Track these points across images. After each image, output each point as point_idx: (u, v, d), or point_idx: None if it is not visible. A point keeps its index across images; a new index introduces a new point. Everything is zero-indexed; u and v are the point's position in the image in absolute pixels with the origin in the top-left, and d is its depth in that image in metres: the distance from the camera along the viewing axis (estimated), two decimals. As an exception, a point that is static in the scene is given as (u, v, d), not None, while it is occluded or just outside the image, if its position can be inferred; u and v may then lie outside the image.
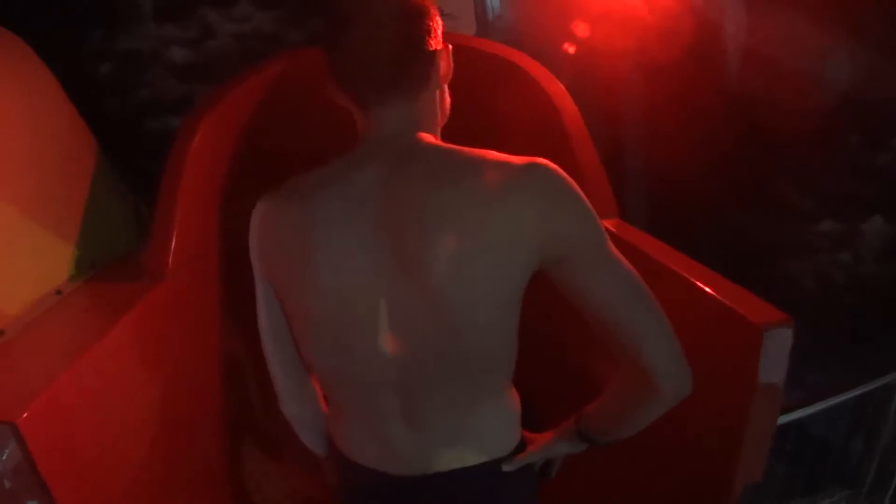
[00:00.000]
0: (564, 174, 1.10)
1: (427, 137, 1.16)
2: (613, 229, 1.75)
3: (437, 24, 1.15)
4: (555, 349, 1.81)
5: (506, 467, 1.25)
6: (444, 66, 1.19)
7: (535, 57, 1.98)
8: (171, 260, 1.77)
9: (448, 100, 1.24)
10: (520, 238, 1.07)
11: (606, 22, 2.54)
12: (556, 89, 1.94)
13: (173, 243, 1.77)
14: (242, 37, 2.73)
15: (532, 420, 1.32)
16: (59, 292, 1.82)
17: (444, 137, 1.23)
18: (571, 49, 2.44)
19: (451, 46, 1.20)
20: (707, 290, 1.52)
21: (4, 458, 1.36)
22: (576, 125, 1.88)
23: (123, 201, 2.16)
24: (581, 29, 2.51)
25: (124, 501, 1.58)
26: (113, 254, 2.01)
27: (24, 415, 1.31)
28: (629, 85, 2.68)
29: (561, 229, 1.08)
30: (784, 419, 2.62)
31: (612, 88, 2.65)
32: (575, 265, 1.10)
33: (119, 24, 2.77)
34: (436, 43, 1.15)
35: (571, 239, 1.09)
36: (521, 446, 1.28)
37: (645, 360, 1.10)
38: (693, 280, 1.55)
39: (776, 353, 1.40)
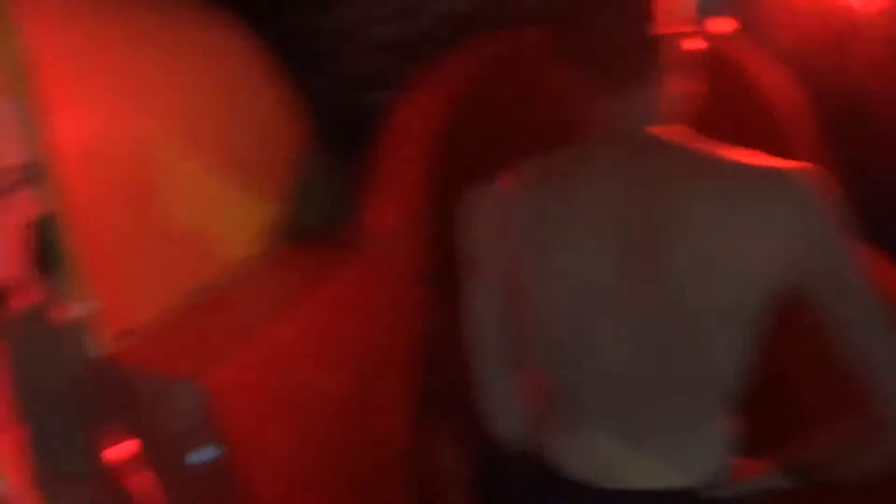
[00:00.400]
0: (823, 185, 1.00)
1: (672, 130, 1.07)
2: None
3: (681, 7, 1.06)
4: (768, 371, 1.68)
5: (712, 494, 1.16)
6: (689, 51, 1.09)
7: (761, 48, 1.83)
8: (374, 233, 1.79)
9: (694, 89, 1.14)
10: (769, 254, 0.98)
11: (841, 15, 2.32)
12: (777, 80, 1.78)
13: (378, 217, 1.79)
14: (449, 15, 2.73)
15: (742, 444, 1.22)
16: (263, 256, 1.89)
17: None
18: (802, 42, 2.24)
19: (696, 30, 1.10)
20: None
21: (191, 414, 1.45)
22: (798, 121, 1.72)
23: (330, 173, 2.22)
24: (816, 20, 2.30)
25: (297, 467, 1.62)
26: (318, 223, 2.05)
27: (214, 374, 1.38)
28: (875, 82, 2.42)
29: (815, 250, 0.99)
30: None
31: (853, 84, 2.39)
32: (821, 290, 1.00)
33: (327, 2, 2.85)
34: (679, 27, 1.06)
35: (824, 261, 0.99)
36: (730, 473, 1.18)
37: (886, 401, 1.00)
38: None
39: None
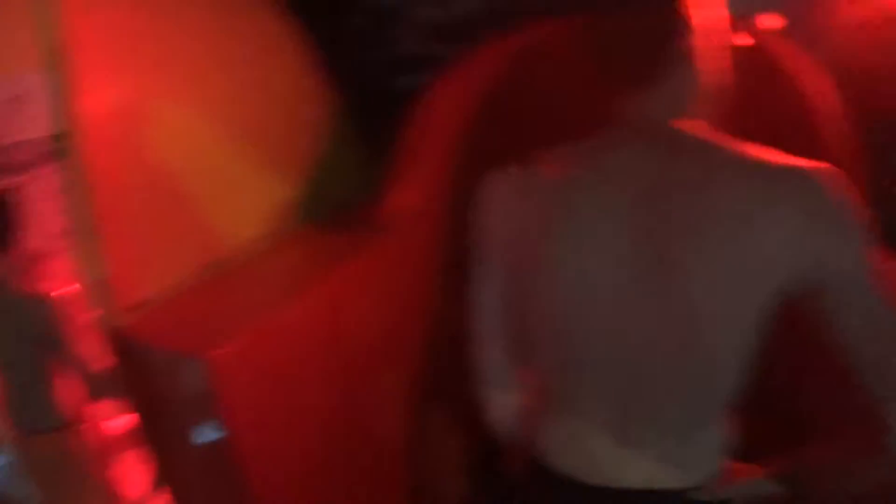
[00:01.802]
0: (843, 186, 0.97)
1: (691, 125, 1.06)
2: None
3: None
4: (772, 379, 1.66)
5: (704, 496, 1.16)
6: (709, 46, 1.07)
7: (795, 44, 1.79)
8: (394, 215, 1.77)
9: (722, 84, 1.12)
10: (782, 255, 0.96)
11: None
12: (815, 81, 1.70)
13: (399, 199, 1.77)
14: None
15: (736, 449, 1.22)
16: (279, 235, 1.88)
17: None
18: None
19: (723, 26, 1.09)
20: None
21: (193, 389, 1.44)
22: (833, 127, 1.64)
23: (355, 153, 2.20)
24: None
25: (302, 453, 1.61)
26: (340, 203, 2.04)
27: (219, 351, 1.37)
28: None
29: (827, 253, 0.96)
30: None
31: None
32: (832, 295, 0.98)
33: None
34: (700, 21, 1.04)
35: (836, 265, 0.97)
36: (724, 476, 1.18)
37: (887, 419, 0.98)
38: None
39: None
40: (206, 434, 1.48)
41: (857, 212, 0.98)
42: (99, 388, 2.04)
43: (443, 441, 2.10)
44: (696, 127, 1.06)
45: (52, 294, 2.04)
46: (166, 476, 1.73)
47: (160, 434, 1.64)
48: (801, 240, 0.96)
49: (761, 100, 1.77)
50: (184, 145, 1.71)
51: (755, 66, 1.77)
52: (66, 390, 2.19)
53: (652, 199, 1.01)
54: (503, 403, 1.35)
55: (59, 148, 2.75)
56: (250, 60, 1.92)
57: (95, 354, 1.99)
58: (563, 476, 1.18)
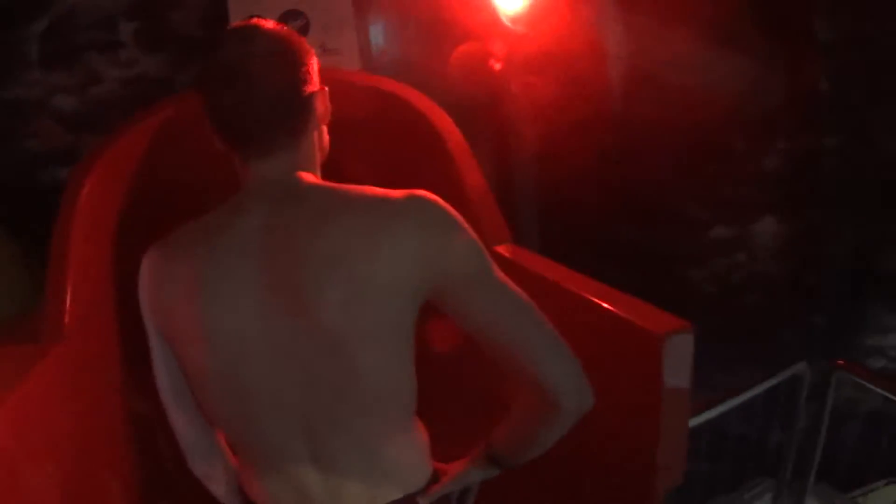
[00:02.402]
0: (444, 204, 1.13)
1: (307, 177, 1.17)
2: (506, 254, 1.76)
3: (313, 66, 1.16)
4: (454, 376, 1.81)
5: (421, 501, 1.24)
6: (322, 106, 1.20)
7: (421, 89, 2.00)
8: (67, 319, 1.66)
9: (326, 137, 1.26)
10: (404, 271, 1.08)
11: (489, 49, 2.62)
12: (442, 119, 1.94)
13: (68, 301, 1.67)
14: (129, 82, 2.67)
15: (441, 451, 1.32)
16: None
17: (329, 174, 1.23)
18: (456, 79, 2.52)
19: (326, 88, 1.21)
20: (604, 305, 1.54)
21: None
22: (462, 154, 1.89)
23: (13, 261, 2.05)
24: (465, 59, 2.59)
25: None
26: (5, 318, 1.90)
27: None
28: (516, 111, 2.75)
29: (443, 259, 1.10)
30: (698, 420, 2.71)
31: (500, 116, 2.72)
32: (462, 294, 1.12)
33: (4, 72, 2.69)
34: (311, 86, 1.16)
35: (455, 268, 1.11)
36: (434, 478, 1.28)
37: (542, 380, 1.12)
38: (589, 297, 1.57)
39: (678, 358, 1.43)
40: None
41: (461, 220, 1.14)
42: None
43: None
44: (311, 178, 1.18)
45: None
46: None
47: None
48: (421, 254, 1.09)
49: (404, 142, 1.96)
50: None
51: (395, 115, 1.96)
52: None
53: (278, 247, 1.10)
54: (215, 471, 1.36)
55: None
56: None
57: None
58: None
